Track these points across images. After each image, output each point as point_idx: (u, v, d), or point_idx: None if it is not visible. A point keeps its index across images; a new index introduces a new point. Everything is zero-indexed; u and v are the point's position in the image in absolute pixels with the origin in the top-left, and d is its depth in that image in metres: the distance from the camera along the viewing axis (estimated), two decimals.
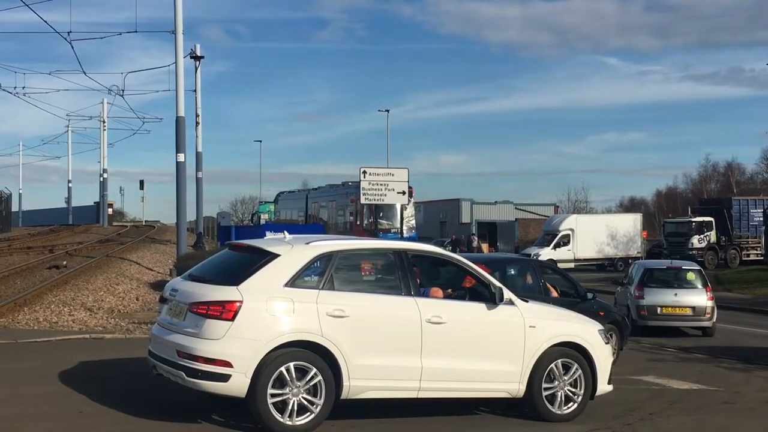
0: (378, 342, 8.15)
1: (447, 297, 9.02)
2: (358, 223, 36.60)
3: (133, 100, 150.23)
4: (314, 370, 7.82)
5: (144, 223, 75.36)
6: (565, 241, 45.88)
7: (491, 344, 8.73)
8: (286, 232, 9.01)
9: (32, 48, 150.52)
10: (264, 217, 59.46)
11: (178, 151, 26.24)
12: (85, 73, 35.56)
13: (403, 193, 26.47)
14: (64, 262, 25.68)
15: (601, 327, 9.67)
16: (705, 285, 20.30)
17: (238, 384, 7.62)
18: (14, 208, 73.89)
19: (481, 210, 68.72)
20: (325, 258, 8.27)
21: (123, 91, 39.36)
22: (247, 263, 8.23)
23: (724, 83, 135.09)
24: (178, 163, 26.28)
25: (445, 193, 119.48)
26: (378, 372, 8.13)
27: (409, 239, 31.50)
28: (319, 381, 7.84)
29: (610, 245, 46.57)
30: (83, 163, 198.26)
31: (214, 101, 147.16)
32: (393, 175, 26.54)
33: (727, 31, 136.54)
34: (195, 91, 37.78)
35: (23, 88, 41.49)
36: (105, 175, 68.66)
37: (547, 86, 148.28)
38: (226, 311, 7.68)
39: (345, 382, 7.96)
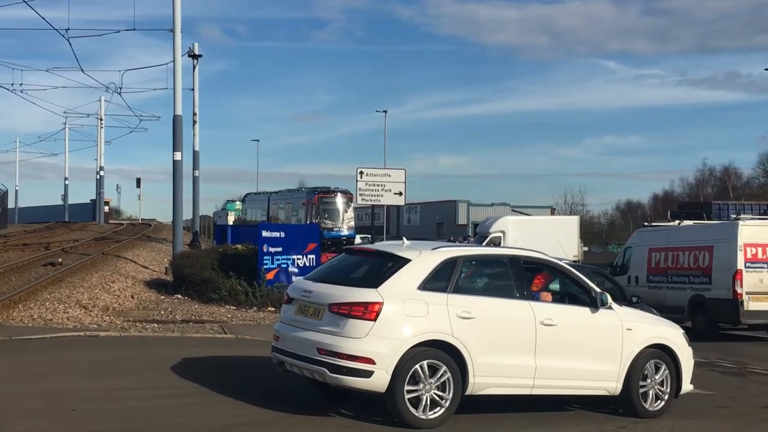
0: (499, 342, 8.69)
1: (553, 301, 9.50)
2: (308, 222, 40.04)
3: (131, 98, 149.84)
4: (444, 367, 8.30)
5: (140, 221, 75.26)
6: (496, 243, 45.20)
7: (594, 345, 9.36)
8: (404, 237, 9.63)
9: (30, 45, 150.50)
10: (231, 215, 59.94)
11: (175, 149, 26.24)
12: (82, 71, 35.45)
13: (400, 194, 26.45)
14: (60, 260, 25.62)
15: (683, 330, 10.35)
16: None
17: (380, 380, 8.09)
18: (10, 204, 73.89)
19: (477, 211, 68.76)
20: (451, 263, 8.78)
21: (121, 88, 39.38)
22: (379, 267, 8.79)
23: (720, 88, 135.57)
24: (175, 162, 26.27)
25: (442, 194, 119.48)
26: (499, 370, 8.66)
27: (348, 236, 40.00)
28: (449, 378, 8.32)
29: (545, 248, 45.63)
30: (80, 161, 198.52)
31: (212, 100, 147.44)
32: (390, 176, 26.53)
33: (723, 36, 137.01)
34: (193, 89, 37.77)
35: (21, 84, 41.34)
36: (102, 173, 68.45)
37: (545, 89, 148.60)
38: (369, 312, 8.16)
39: (470, 379, 8.46)
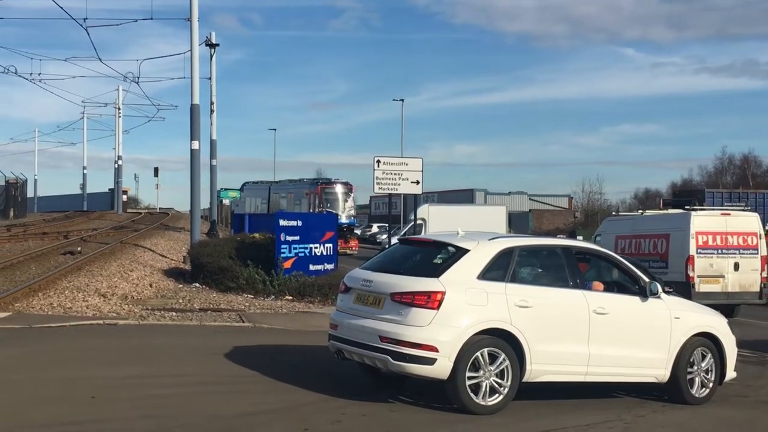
0: (554, 330, 8.91)
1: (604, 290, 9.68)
2: (311, 211, 42.69)
3: (149, 87, 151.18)
4: (503, 355, 8.50)
5: (158, 211, 75.63)
6: (418, 230, 44.85)
7: (644, 333, 9.61)
8: (459, 229, 9.72)
9: (48, 34, 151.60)
10: (225, 202, 60.49)
11: (192, 138, 26.28)
12: (100, 60, 35.63)
13: (417, 182, 26.39)
14: (79, 249, 25.78)
15: (726, 319, 10.61)
16: None
17: (442, 367, 8.26)
18: (29, 194, 74.35)
19: (495, 200, 68.60)
20: (508, 253, 8.99)
21: (138, 78, 39.51)
22: (438, 257, 9.03)
23: (739, 75, 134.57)
24: (192, 151, 26.33)
25: (460, 183, 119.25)
26: (554, 357, 8.89)
27: (348, 224, 43.70)
28: (507, 366, 8.52)
29: None
30: (98, 150, 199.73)
31: (229, 89, 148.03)
32: (407, 164, 26.46)
33: (742, 23, 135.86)
34: (210, 78, 37.80)
35: (39, 74, 41.55)
36: (120, 162, 68.80)
37: (562, 77, 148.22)
38: (432, 301, 8.34)
39: (527, 367, 8.68)
